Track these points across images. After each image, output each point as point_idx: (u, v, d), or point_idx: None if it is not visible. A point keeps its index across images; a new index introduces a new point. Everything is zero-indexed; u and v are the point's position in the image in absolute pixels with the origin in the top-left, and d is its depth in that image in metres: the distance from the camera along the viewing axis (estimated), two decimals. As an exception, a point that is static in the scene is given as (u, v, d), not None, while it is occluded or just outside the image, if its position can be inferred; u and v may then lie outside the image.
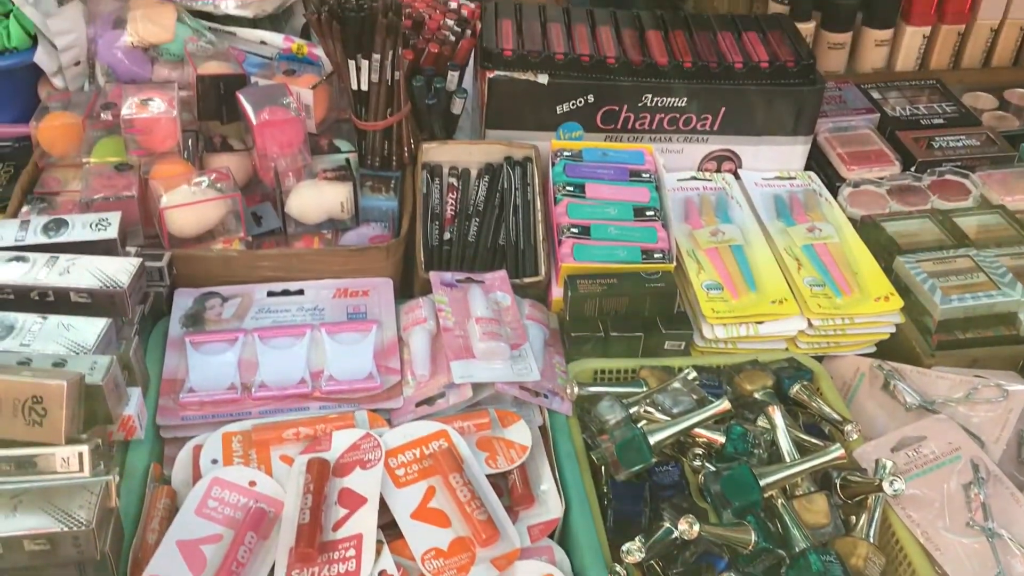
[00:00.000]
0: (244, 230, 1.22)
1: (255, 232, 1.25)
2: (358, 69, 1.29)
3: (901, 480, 0.96)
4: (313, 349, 1.11)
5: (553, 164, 1.35)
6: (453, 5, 1.49)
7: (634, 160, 1.37)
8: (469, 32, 1.42)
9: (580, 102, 1.39)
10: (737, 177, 1.45)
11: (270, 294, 1.18)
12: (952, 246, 1.28)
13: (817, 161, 1.50)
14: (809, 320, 1.20)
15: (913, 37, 1.66)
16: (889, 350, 1.22)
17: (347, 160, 1.29)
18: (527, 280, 1.23)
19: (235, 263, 1.19)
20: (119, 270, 1.01)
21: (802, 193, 1.40)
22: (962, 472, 1.01)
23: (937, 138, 1.51)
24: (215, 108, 1.30)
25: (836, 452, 0.99)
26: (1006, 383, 1.09)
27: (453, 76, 1.36)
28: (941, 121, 1.55)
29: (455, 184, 1.37)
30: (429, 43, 1.39)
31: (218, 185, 1.22)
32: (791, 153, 1.45)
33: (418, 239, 1.27)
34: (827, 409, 1.09)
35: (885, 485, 0.96)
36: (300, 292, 1.19)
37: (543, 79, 1.36)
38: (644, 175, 1.34)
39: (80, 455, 0.84)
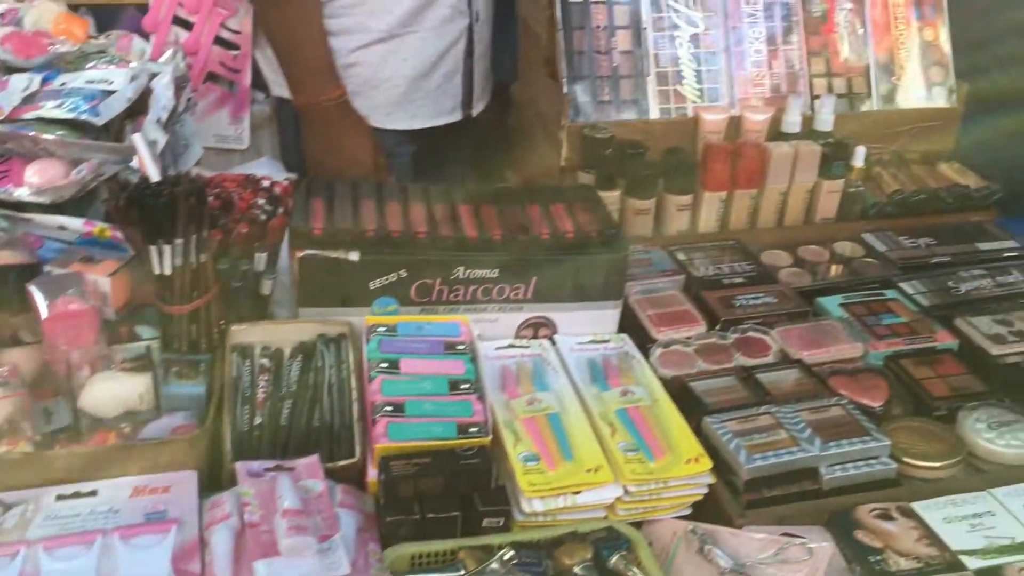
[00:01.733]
0: (32, 429, 1.14)
1: (45, 430, 1.18)
2: (160, 254, 1.27)
3: (716, 653, 0.96)
4: (104, 557, 1.03)
5: (368, 340, 1.34)
6: (265, 184, 1.50)
7: (450, 332, 1.38)
8: (281, 210, 1.43)
9: (393, 277, 1.39)
10: (553, 342, 1.48)
11: (60, 498, 1.10)
12: (755, 404, 1.33)
13: (630, 322, 1.54)
14: (625, 487, 1.21)
15: (711, 201, 1.77)
16: (704, 511, 1.24)
17: (147, 348, 1.25)
18: (341, 463, 1.20)
19: (21, 466, 1.11)
20: None
21: (616, 356, 1.44)
22: (776, 637, 1.02)
23: (739, 296, 1.59)
24: (3, 300, 1.24)
25: (651, 628, 0.98)
26: (812, 540, 1.12)
27: (261, 257, 1.35)
28: (742, 280, 1.64)
29: (267, 365, 1.33)
30: (239, 223, 1.38)
31: (7, 382, 1.15)
32: (603, 317, 1.50)
33: (225, 426, 1.22)
34: (644, 580, 1.09)
35: (701, 659, 0.96)
36: (93, 493, 1.11)
37: (354, 256, 1.37)
38: (460, 347, 1.35)
39: None
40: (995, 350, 1.49)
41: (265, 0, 1.87)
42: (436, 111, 1.99)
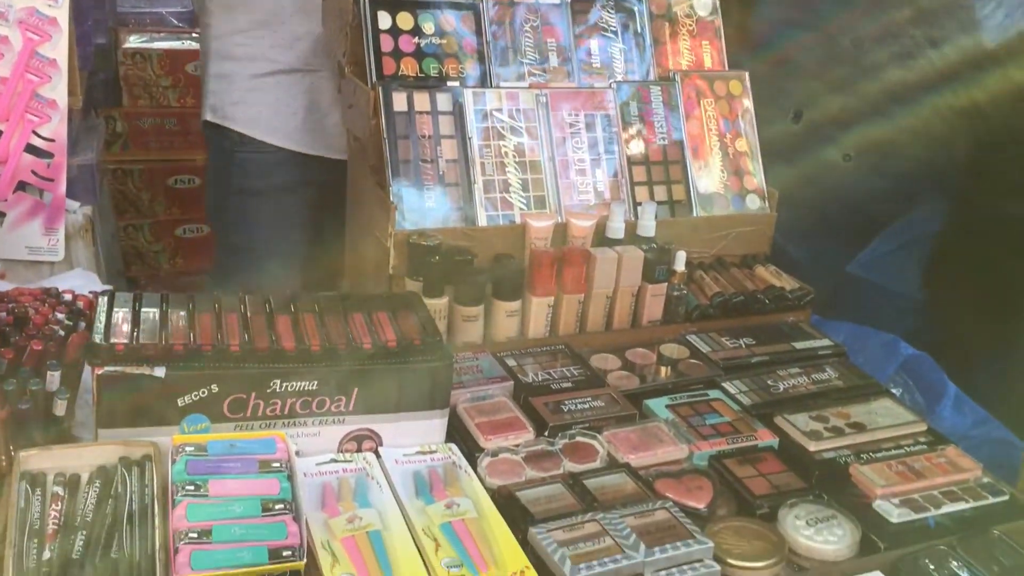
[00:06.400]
0: None
1: None
2: (-63, 375, 1.16)
3: None
4: None
5: (174, 462, 1.25)
6: (67, 298, 1.41)
7: (265, 449, 1.31)
8: (83, 325, 1.34)
9: (204, 392, 1.32)
10: (378, 455, 1.43)
11: None
12: (582, 511, 1.31)
13: (458, 431, 1.51)
14: (447, 606, 1.16)
15: (539, 307, 1.78)
16: (532, 626, 1.20)
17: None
18: (138, 599, 1.10)
19: None
20: None
21: (442, 467, 1.40)
22: None
23: (567, 401, 1.58)
24: None
25: None
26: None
27: (53, 376, 1.26)
28: (570, 385, 1.63)
29: (60, 493, 1.22)
30: (32, 340, 1.29)
31: None
32: (429, 427, 1.46)
33: (7, 562, 1.10)
34: None
35: None
36: None
37: (160, 372, 1.29)
38: (275, 464, 1.28)
39: None
40: (812, 446, 1.53)
41: None
42: (330, 145, 2.21)
